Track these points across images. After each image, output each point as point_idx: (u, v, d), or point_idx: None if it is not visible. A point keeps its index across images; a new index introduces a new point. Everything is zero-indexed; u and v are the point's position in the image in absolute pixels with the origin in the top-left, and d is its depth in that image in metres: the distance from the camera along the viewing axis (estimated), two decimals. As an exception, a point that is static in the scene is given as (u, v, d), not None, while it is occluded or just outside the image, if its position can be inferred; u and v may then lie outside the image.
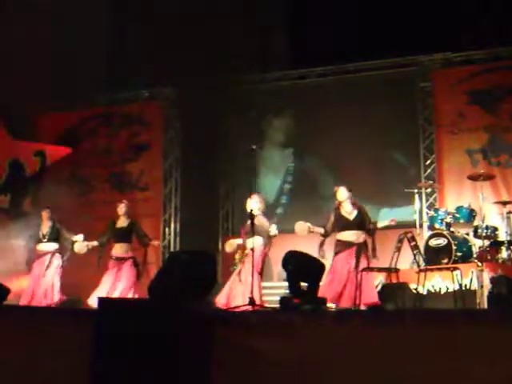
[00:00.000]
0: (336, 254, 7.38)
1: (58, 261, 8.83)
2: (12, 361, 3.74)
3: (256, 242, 7.53)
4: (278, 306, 5.14)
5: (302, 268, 4.93)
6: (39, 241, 8.92)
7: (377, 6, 9.51)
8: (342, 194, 7.53)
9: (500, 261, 7.87)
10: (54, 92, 9.93)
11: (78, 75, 9.31)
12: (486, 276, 7.26)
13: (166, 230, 10.94)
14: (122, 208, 8.82)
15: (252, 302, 6.36)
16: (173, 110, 11.16)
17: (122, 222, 8.77)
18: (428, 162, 10.01)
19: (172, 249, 10.79)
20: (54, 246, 8.91)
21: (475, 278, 7.27)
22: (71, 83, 9.49)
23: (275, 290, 8.49)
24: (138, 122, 11.33)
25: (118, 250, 8.64)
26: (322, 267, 5.59)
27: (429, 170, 9.97)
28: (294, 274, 4.83)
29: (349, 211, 7.47)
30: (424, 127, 10.19)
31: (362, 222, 7.40)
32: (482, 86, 9.68)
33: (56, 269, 8.77)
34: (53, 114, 11.50)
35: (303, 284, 6.03)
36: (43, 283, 8.68)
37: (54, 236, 8.91)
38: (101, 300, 4.06)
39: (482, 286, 7.19)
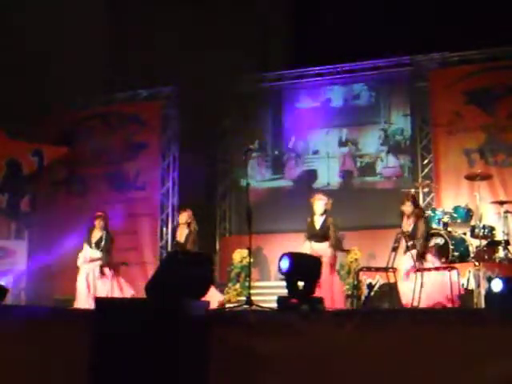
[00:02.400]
0: None
1: (110, 272, 8.34)
2: (12, 360, 3.74)
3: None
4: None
5: (300, 268, 4.93)
6: (90, 245, 8.39)
7: (374, 5, 9.52)
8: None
9: (497, 260, 7.89)
10: (52, 92, 9.90)
11: (76, 75, 9.29)
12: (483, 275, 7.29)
13: (164, 229, 10.93)
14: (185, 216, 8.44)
15: (249, 301, 6.34)
16: (171, 109, 11.15)
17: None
18: (425, 161, 10.03)
19: (169, 249, 10.75)
20: (99, 254, 8.35)
21: (472, 278, 7.29)
22: (69, 83, 9.46)
23: (273, 290, 8.49)
24: (136, 122, 11.31)
25: None
26: (318, 265, 5.57)
27: (426, 170, 9.98)
28: (291, 274, 4.83)
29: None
30: (421, 127, 10.21)
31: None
32: (478, 86, 9.68)
33: (112, 280, 8.27)
34: (51, 114, 11.46)
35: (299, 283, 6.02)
36: (95, 290, 8.14)
37: (106, 247, 8.38)
38: (98, 300, 4.05)
39: (479, 286, 7.21)
